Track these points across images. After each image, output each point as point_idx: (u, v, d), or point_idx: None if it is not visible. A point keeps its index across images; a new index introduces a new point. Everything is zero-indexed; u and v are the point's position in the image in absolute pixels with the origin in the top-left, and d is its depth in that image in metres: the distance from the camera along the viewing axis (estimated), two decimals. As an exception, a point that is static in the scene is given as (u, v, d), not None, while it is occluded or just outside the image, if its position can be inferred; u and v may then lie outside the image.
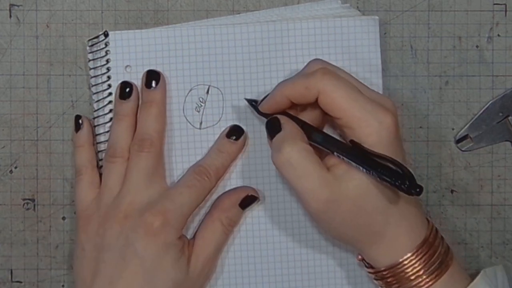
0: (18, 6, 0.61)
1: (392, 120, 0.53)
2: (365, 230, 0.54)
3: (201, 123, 0.61)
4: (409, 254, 0.54)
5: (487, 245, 0.63)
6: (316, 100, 0.54)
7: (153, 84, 0.59)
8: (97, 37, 0.61)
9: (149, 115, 0.59)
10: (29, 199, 0.62)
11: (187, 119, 0.61)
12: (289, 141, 0.54)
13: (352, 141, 0.53)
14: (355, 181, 0.53)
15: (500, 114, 0.62)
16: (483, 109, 0.62)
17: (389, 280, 0.55)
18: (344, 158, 0.53)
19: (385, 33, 0.62)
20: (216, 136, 0.60)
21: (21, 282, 0.62)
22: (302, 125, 0.56)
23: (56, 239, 0.62)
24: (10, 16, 0.61)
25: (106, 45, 0.60)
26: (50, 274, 0.62)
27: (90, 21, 0.61)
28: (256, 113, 0.59)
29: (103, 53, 0.60)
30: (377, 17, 0.60)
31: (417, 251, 0.54)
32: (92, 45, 0.61)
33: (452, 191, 0.63)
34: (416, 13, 0.62)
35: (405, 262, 0.54)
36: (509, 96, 0.62)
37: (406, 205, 0.55)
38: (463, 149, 0.62)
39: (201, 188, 0.58)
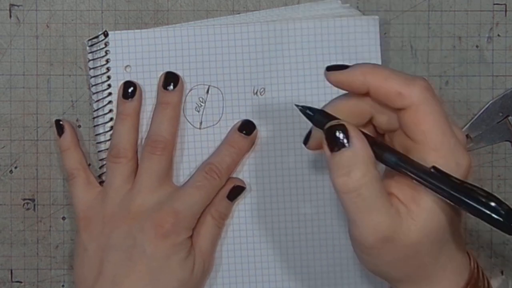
0: (18, 6, 0.61)
1: (468, 163, 0.47)
2: (412, 273, 0.48)
3: (201, 123, 0.61)
4: None
5: (487, 245, 0.63)
6: (398, 109, 0.47)
7: (171, 86, 0.59)
8: (96, 37, 0.61)
9: (164, 116, 0.59)
10: (29, 199, 0.62)
11: (187, 119, 0.60)
12: (361, 165, 0.45)
13: (435, 167, 0.46)
14: (419, 224, 0.46)
15: (500, 114, 0.62)
16: (483, 109, 0.62)
17: None
18: (428, 185, 0.45)
19: (385, 33, 0.62)
20: (216, 136, 0.60)
21: (21, 282, 0.62)
22: (373, 142, 0.47)
23: (56, 239, 0.62)
24: (10, 16, 0.61)
25: (106, 45, 0.60)
26: (50, 274, 0.62)
27: (90, 21, 0.61)
28: (308, 120, 0.49)
29: (102, 53, 0.60)
30: (377, 17, 0.60)
31: None
32: (91, 45, 0.61)
33: (452, 191, 0.63)
34: (416, 13, 0.62)
35: None
36: (509, 96, 0.62)
37: (456, 246, 0.49)
38: (463, 149, 0.62)
39: (210, 188, 0.58)
